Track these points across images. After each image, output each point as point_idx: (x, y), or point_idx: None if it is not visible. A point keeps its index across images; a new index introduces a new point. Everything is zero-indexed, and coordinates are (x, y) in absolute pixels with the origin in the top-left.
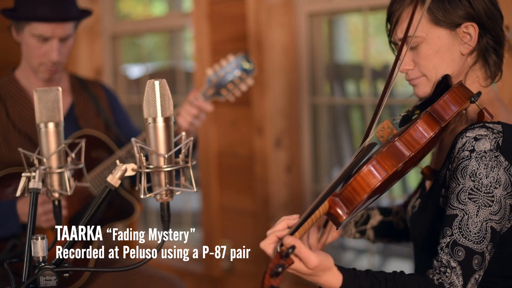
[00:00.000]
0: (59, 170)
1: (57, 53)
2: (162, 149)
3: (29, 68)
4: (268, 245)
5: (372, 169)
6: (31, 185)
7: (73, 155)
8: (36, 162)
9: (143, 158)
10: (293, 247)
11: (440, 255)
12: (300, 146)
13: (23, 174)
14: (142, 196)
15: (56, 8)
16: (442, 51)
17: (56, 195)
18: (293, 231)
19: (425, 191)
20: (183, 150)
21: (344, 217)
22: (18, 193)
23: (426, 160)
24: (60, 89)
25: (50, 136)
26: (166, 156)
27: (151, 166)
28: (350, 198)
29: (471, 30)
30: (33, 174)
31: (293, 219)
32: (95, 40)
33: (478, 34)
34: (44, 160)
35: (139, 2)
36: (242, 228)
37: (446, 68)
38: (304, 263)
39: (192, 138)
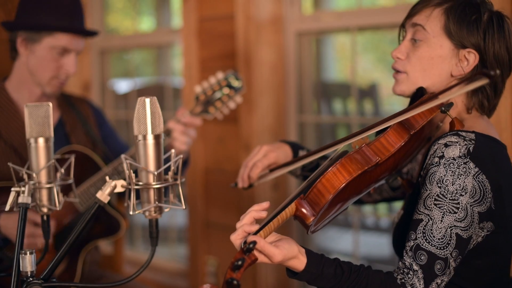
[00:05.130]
0: (48, 185)
1: (75, 66)
2: (151, 166)
3: (26, 82)
4: (236, 239)
5: (337, 171)
6: (20, 200)
7: (62, 170)
8: (25, 177)
9: (133, 175)
10: (253, 242)
11: (404, 257)
12: None
13: (12, 189)
14: (131, 213)
15: (77, 20)
16: (436, 61)
17: (45, 210)
18: (257, 231)
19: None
20: (172, 168)
21: (312, 219)
22: (7, 208)
23: None
24: (50, 104)
25: (40, 151)
26: (156, 173)
27: (140, 183)
28: (315, 200)
29: (471, 57)
30: (23, 189)
31: (261, 210)
32: (84, 55)
33: (475, 66)
34: (34, 175)
35: (127, 16)
36: (228, 244)
37: (430, 78)
38: (269, 258)
39: (181, 156)
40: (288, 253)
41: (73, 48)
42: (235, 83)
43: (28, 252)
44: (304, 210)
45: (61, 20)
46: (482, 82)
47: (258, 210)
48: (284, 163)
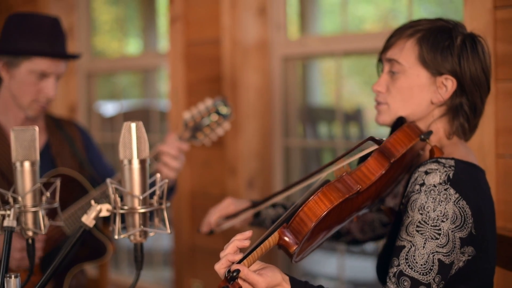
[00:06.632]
0: (34, 209)
1: (55, 90)
2: (137, 190)
3: (10, 105)
4: (220, 269)
5: (318, 200)
6: (5, 223)
7: (48, 194)
8: (11, 200)
9: (118, 199)
10: (237, 270)
11: (388, 283)
12: (273, 187)
13: None
14: (116, 237)
15: (57, 44)
16: (415, 91)
17: (30, 233)
18: (241, 260)
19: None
20: (157, 192)
21: (295, 247)
22: None
23: None
24: (37, 128)
25: (26, 175)
26: (141, 197)
27: (125, 207)
28: (298, 228)
29: (449, 83)
30: (8, 212)
31: (244, 239)
32: (71, 78)
33: (454, 91)
34: (19, 198)
35: (114, 38)
36: (213, 268)
37: (411, 107)
38: (253, 286)
39: (166, 180)
40: (271, 280)
41: (52, 71)
42: (224, 110)
43: (13, 276)
44: (287, 239)
45: (39, 44)
46: (372, 148)
47: (241, 239)
48: (238, 211)
